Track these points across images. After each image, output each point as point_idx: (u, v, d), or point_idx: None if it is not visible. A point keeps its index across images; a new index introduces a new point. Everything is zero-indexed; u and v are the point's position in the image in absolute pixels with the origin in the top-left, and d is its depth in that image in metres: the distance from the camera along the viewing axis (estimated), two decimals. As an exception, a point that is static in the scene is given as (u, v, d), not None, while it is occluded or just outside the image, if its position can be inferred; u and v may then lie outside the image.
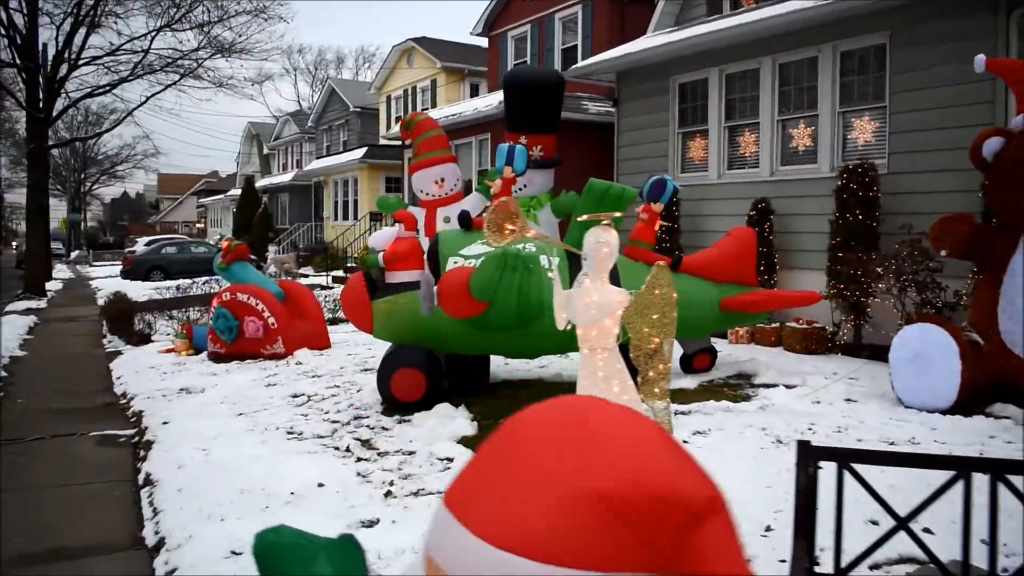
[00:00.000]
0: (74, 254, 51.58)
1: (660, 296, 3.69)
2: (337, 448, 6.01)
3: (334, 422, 6.78)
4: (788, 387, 7.43)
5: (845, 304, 9.52)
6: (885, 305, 9.11)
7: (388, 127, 29.74)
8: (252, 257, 13.76)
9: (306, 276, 23.82)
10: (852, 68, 10.25)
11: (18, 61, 20.20)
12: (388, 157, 27.00)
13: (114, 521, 5.09)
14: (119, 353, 11.83)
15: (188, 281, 19.31)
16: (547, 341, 7.28)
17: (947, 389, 6.47)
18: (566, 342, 7.42)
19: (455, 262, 6.99)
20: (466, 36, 27.52)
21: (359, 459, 5.73)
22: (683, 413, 6.48)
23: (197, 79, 22.42)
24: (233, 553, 4.18)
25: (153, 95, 22.67)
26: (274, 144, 44.78)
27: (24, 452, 6.61)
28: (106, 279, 28.45)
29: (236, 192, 44.71)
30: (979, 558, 2.47)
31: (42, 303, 20.04)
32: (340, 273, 22.87)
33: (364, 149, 28.02)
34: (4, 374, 10.09)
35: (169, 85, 22.48)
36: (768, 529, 4.22)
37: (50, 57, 20.99)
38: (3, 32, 19.74)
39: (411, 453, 5.82)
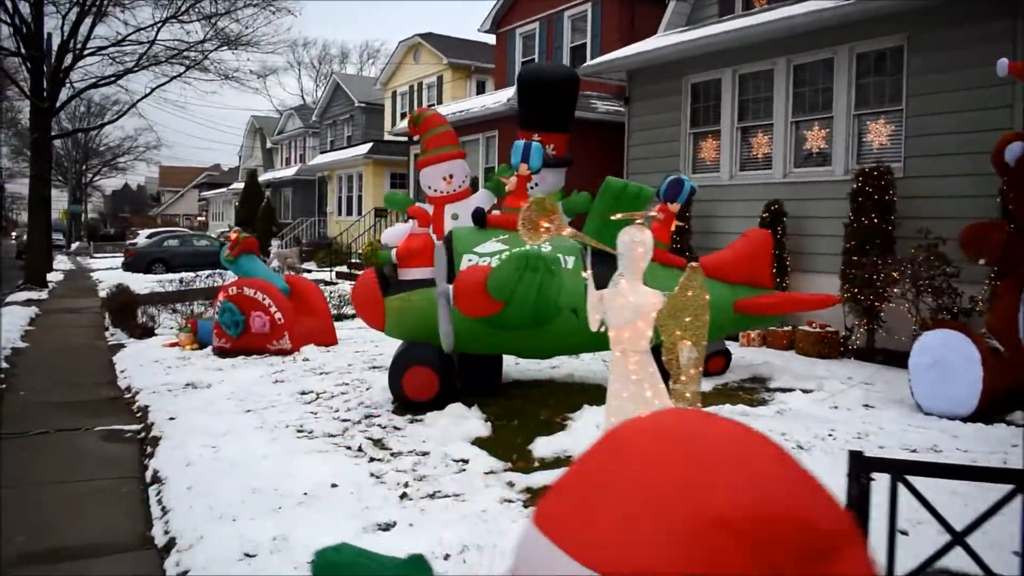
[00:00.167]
0: (74, 245, 51.42)
1: (693, 298, 3.58)
2: (349, 448, 5.90)
3: (344, 420, 6.68)
4: (805, 392, 7.33)
5: (858, 308, 9.41)
6: (899, 310, 9.01)
7: (393, 123, 29.60)
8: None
9: (309, 271, 23.69)
10: (868, 70, 10.13)
11: (23, 50, 20.07)
12: (393, 153, 26.88)
13: (122, 519, 4.97)
14: (122, 346, 11.72)
15: (191, 274, 19.15)
16: (561, 341, 7.18)
17: (968, 396, 6.37)
18: (580, 343, 7.34)
19: (470, 260, 6.88)
20: (473, 33, 27.41)
21: (372, 459, 5.63)
22: (699, 417, 6.38)
23: (203, 71, 22.30)
24: (247, 555, 4.08)
25: (158, 86, 22.60)
26: (277, 138, 44.66)
27: (28, 447, 6.50)
28: (107, 271, 28.32)
29: (239, 186, 44.64)
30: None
31: (43, 294, 19.92)
32: (344, 269, 22.75)
33: (369, 145, 27.90)
34: (6, 366, 9.98)
35: (175, 77, 22.38)
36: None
37: (55, 47, 20.86)
38: (8, 21, 19.61)
39: (425, 454, 5.71)
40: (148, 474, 5.71)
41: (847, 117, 10.25)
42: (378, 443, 6.02)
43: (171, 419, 6.93)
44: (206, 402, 7.50)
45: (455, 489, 4.98)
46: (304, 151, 40.70)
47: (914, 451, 5.63)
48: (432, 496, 4.88)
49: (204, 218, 62.15)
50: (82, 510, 5.10)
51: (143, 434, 6.78)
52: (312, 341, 10.47)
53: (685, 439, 1.01)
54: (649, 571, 0.90)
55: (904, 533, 3.84)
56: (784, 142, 11.02)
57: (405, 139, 22.77)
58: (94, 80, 22.28)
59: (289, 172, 38.49)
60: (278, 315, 10.25)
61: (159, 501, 5.10)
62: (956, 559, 2.40)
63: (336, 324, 11.63)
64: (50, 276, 23.67)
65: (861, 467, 2.55)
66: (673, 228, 7.73)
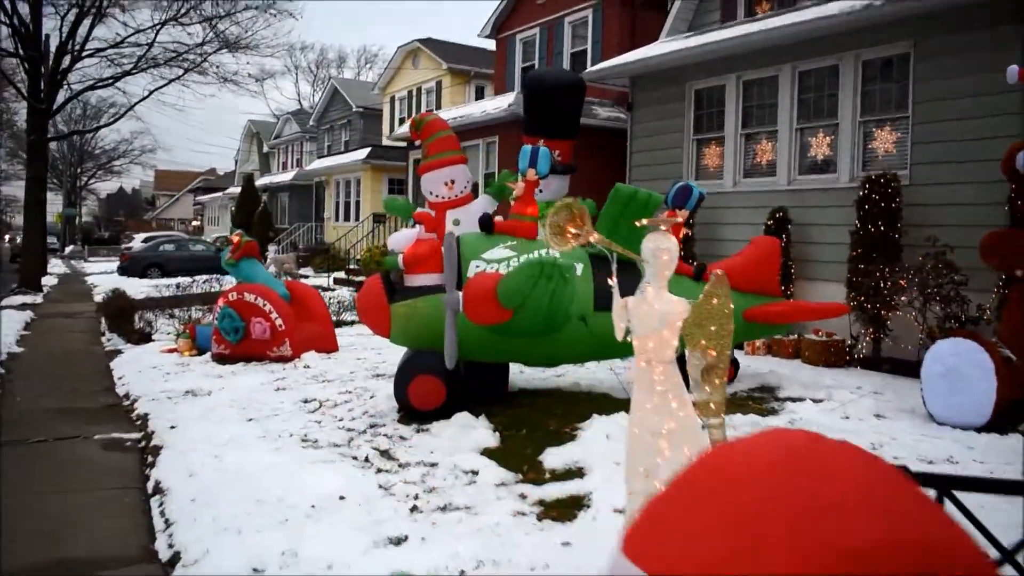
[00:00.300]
0: (68, 249, 51.17)
1: (718, 306, 3.49)
2: (355, 458, 5.79)
3: (350, 430, 6.56)
4: (815, 401, 7.24)
5: (865, 317, 9.33)
6: (906, 319, 8.94)
7: (392, 128, 29.52)
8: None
9: (306, 277, 23.56)
10: (874, 77, 10.08)
11: (21, 51, 19.95)
12: (392, 158, 26.79)
13: (124, 531, 4.86)
14: (119, 352, 11.59)
15: (188, 279, 19.01)
16: (569, 350, 7.10)
17: (982, 406, 6.30)
18: (587, 351, 7.26)
19: (477, 266, 6.79)
20: (472, 38, 27.35)
21: (379, 470, 5.51)
22: (710, 427, 6.29)
23: (202, 74, 22.19)
24: (255, 571, 3.97)
25: (156, 88, 22.46)
26: (274, 143, 44.54)
27: (26, 455, 6.38)
28: (102, 275, 28.16)
29: (235, 190, 44.47)
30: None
31: (38, 298, 19.77)
32: (342, 274, 22.63)
33: (368, 149, 27.80)
34: (2, 371, 9.85)
35: (173, 79, 22.26)
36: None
37: (53, 48, 20.74)
38: (7, 22, 19.49)
39: (433, 465, 5.60)
40: (150, 484, 5.59)
41: (852, 124, 10.19)
42: (385, 453, 5.91)
43: (172, 427, 6.81)
44: (207, 410, 7.38)
45: (466, 501, 4.88)
46: (301, 156, 40.59)
47: (930, 462, 5.55)
48: (443, 509, 4.77)
49: (200, 222, 61.95)
50: (83, 521, 4.98)
51: (143, 443, 6.66)
52: (313, 348, 10.35)
53: (804, 463, 0.92)
54: None
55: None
56: (789, 149, 10.95)
57: (404, 144, 22.68)
58: (92, 82, 22.18)
59: (286, 177, 38.38)
60: (279, 321, 10.14)
61: (162, 512, 4.99)
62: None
63: (336, 330, 11.50)
64: (44, 280, 23.51)
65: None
66: (682, 235, 7.63)
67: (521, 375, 8.48)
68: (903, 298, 8.75)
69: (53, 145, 43.23)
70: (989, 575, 0.88)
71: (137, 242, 31.54)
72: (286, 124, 43.39)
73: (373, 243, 21.92)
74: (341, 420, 6.93)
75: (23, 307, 17.08)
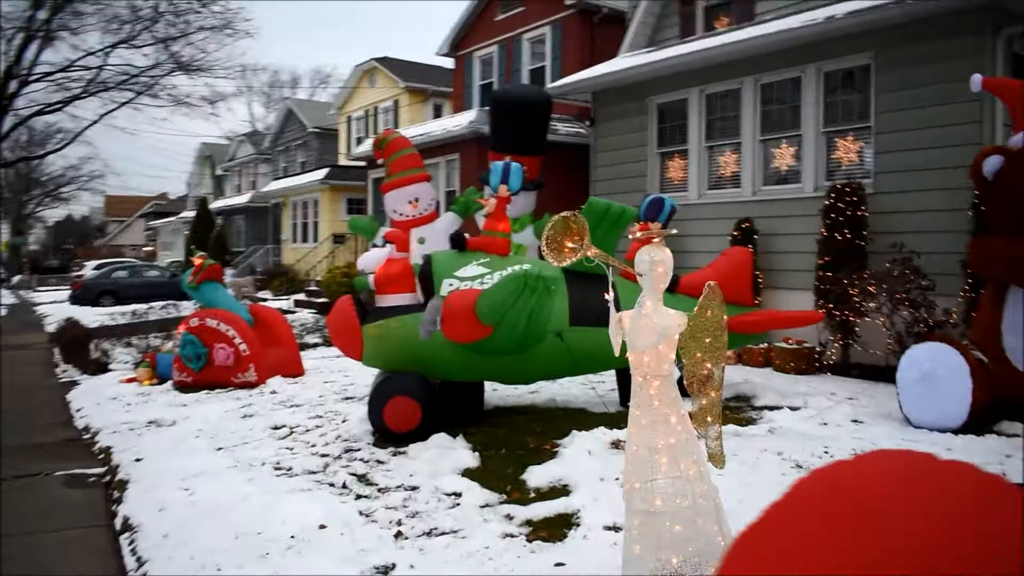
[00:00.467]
0: (16, 279, 49.79)
1: (712, 318, 3.43)
2: (332, 484, 5.61)
3: (324, 456, 6.37)
4: (792, 409, 7.23)
5: (833, 323, 9.40)
6: (873, 324, 9.01)
7: (349, 148, 29.29)
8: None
9: (265, 300, 23.16)
10: (836, 88, 10.21)
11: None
12: (350, 178, 26.54)
13: (94, 574, 4.62)
14: (75, 383, 11.22)
15: (144, 306, 18.58)
16: (546, 366, 7.00)
17: (957, 409, 6.34)
18: (564, 367, 7.17)
19: (451, 284, 6.66)
20: (429, 56, 27.31)
21: (359, 496, 5.34)
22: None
23: (154, 97, 21.77)
24: (238, 608, 3.78)
25: (107, 112, 21.97)
26: (228, 165, 43.93)
27: (-16, 494, 6.07)
28: (53, 304, 27.40)
29: (189, 214, 43.79)
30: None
31: (-13, 330, 19.13)
32: (303, 296, 22.29)
33: (325, 170, 27.51)
34: (-48, 407, 9.44)
35: (124, 103, 21.80)
36: (815, 566, 3.96)
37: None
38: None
39: (414, 488, 5.45)
40: (118, 521, 5.35)
41: (816, 135, 10.30)
42: (363, 479, 5.74)
43: (137, 460, 6.56)
44: (174, 441, 7.13)
45: (452, 525, 4.73)
46: (256, 178, 40.06)
47: (913, 468, 5.54)
48: (429, 534, 4.62)
49: (152, 248, 60.76)
50: (50, 564, 4.73)
51: (108, 477, 6.39)
52: (278, 373, 10.12)
53: (922, 486, 0.83)
54: None
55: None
56: (752, 160, 11.04)
57: (363, 164, 22.48)
58: (40, 107, 21.62)
59: (241, 199, 37.82)
60: (243, 346, 9.89)
61: (133, 551, 4.76)
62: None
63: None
64: (-7, 311, 22.79)
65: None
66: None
67: (495, 392, 8.35)
68: (871, 304, 8.82)
69: (-1, 172, 42.10)
70: None
71: (88, 269, 30.74)
72: (240, 146, 42.84)
73: (334, 264, 21.62)
74: (314, 446, 6.73)
75: (-29, 340, 16.49)
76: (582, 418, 7.18)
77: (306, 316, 17.37)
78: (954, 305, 8.51)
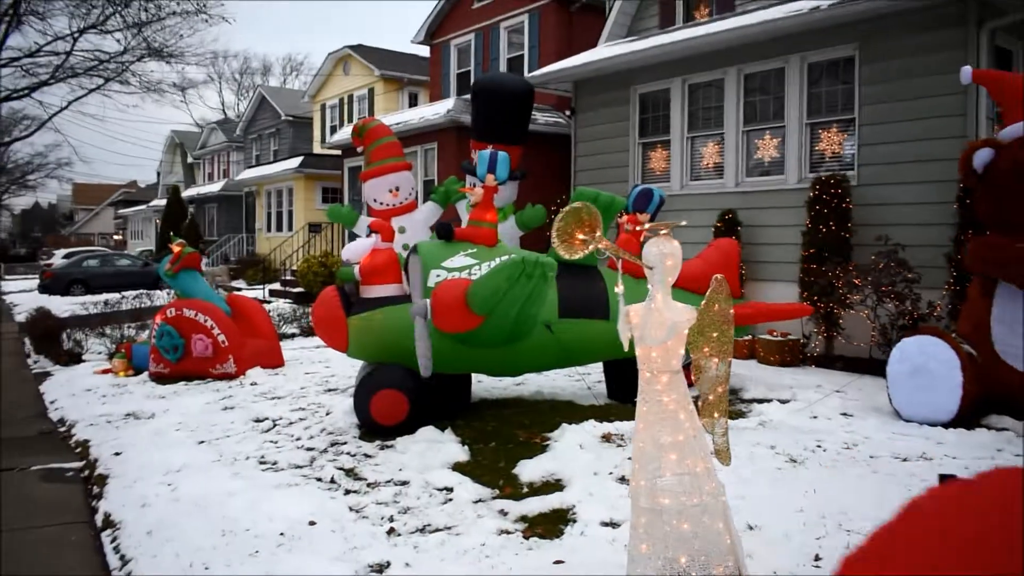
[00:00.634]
0: (-18, 268, 48.72)
1: (719, 312, 3.36)
2: (320, 479, 5.49)
3: (309, 449, 6.24)
4: (782, 402, 7.21)
5: (817, 315, 9.41)
6: (857, 317, 9.03)
7: (324, 136, 28.94)
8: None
9: (239, 289, 22.86)
10: (820, 79, 10.20)
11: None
12: (325, 167, 26.23)
13: (75, 573, 4.47)
14: (48, 374, 10.96)
15: (117, 295, 18.20)
16: (534, 358, 6.92)
17: (948, 402, 6.34)
18: (552, 359, 7.09)
19: (438, 275, 6.54)
20: (404, 44, 27.01)
21: (348, 491, 5.23)
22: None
23: (124, 83, 21.30)
24: (230, 609, 3.66)
25: (75, 99, 21.48)
26: (199, 153, 43.26)
27: (-44, 490, 5.88)
28: (22, 294, 26.85)
29: (160, 202, 43.13)
30: None
31: (-47, 320, 18.68)
32: (278, 286, 22.01)
33: (300, 158, 27.15)
34: (-80, 400, 9.17)
35: (93, 90, 21.33)
36: (817, 558, 3.93)
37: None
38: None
39: (404, 483, 5.34)
40: (98, 517, 5.19)
41: (800, 126, 10.28)
42: (351, 473, 5.62)
43: (117, 454, 6.39)
44: (153, 434, 6.96)
45: (445, 521, 4.64)
46: (228, 166, 39.48)
47: (905, 460, 5.54)
48: (422, 530, 4.53)
49: (121, 236, 59.81)
50: (31, 563, 4.56)
51: (87, 472, 6.22)
52: (258, 363, 9.95)
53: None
54: None
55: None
56: (736, 151, 11.00)
57: (338, 152, 22.21)
58: (7, 93, 21.07)
59: (214, 188, 37.28)
60: (221, 337, 9.69)
61: (116, 549, 4.61)
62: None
63: (280, 345, 11.09)
64: (-41, 301, 22.27)
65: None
66: (643, 239, 7.51)
67: (479, 384, 8.26)
68: (856, 296, 8.83)
69: (-38, 159, 41.19)
70: None
71: (58, 258, 30.18)
72: (212, 134, 42.19)
73: (309, 253, 21.36)
74: (299, 439, 6.60)
75: (-63, 330, 16.08)
76: (570, 410, 7.11)
77: (283, 306, 17.13)
78: (938, 298, 8.55)
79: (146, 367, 10.07)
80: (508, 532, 4.44)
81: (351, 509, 4.88)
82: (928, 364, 6.41)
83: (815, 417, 6.71)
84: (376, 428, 6.51)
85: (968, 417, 6.39)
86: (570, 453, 5.73)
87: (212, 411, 7.80)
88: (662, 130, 12.08)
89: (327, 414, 7.34)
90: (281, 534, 4.48)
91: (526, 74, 15.50)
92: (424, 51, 22.93)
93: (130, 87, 22.11)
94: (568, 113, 14.34)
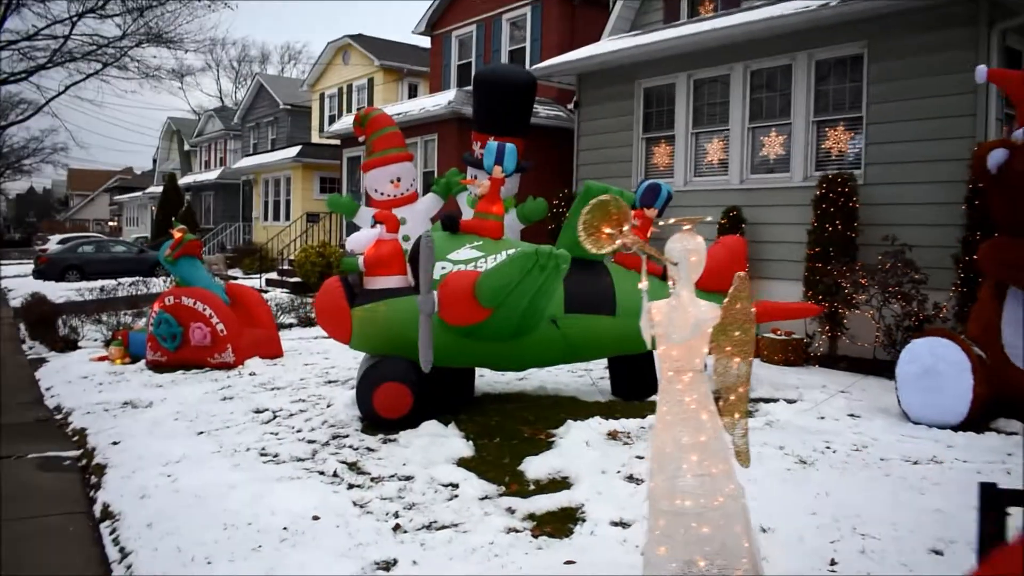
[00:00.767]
0: (-25, 252, 48.45)
1: (741, 310, 3.28)
2: (322, 473, 5.41)
3: (311, 442, 6.15)
4: (789, 402, 7.14)
5: (822, 315, 9.34)
6: (862, 316, 8.97)
7: (322, 126, 28.78)
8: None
9: (235, 278, 22.73)
10: (827, 77, 10.11)
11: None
12: (323, 156, 26.09)
13: (74, 564, 4.37)
14: (44, 361, 10.86)
15: (113, 282, 18.05)
16: (540, 353, 6.84)
17: (958, 405, 6.28)
18: (558, 354, 7.00)
19: (443, 267, 6.46)
20: (405, 35, 26.85)
21: (351, 485, 5.15)
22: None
23: (122, 69, 21.10)
24: (234, 606, 3.58)
25: (73, 84, 21.28)
26: (196, 140, 43.03)
27: (-49, 478, 5.78)
28: (16, 279, 26.64)
29: (156, 189, 42.91)
30: None
31: (-54, 305, 18.52)
32: (275, 275, 21.89)
33: (298, 148, 26.99)
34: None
35: (91, 75, 21.13)
36: (833, 563, 3.86)
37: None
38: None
39: (409, 478, 5.26)
40: (97, 508, 5.09)
41: (806, 123, 10.20)
42: (354, 467, 5.54)
43: (115, 443, 6.29)
44: (151, 423, 6.86)
45: (452, 518, 4.56)
46: (225, 154, 39.28)
47: (916, 463, 5.47)
48: (428, 527, 4.44)
49: (117, 223, 59.53)
50: (28, 554, 4.47)
51: (84, 461, 6.12)
52: (256, 353, 9.85)
53: None
54: None
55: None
56: (741, 148, 10.92)
57: (337, 142, 22.07)
58: (3, 76, 20.86)
59: (211, 175, 37.09)
60: (220, 326, 9.59)
61: (115, 541, 4.52)
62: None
63: (279, 335, 10.99)
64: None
65: (996, 501, 2.25)
66: (650, 234, 7.43)
67: (482, 379, 8.16)
68: (862, 296, 8.76)
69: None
70: None
71: (53, 244, 29.96)
72: (209, 121, 41.96)
73: (307, 243, 21.24)
74: (300, 431, 6.51)
75: (-70, 314, 15.94)
76: (575, 407, 7.04)
77: (281, 296, 17.01)
78: (944, 299, 8.49)
79: (143, 355, 9.98)
80: (516, 530, 4.36)
81: (355, 504, 4.80)
82: (938, 366, 6.34)
83: (822, 418, 6.65)
84: (379, 421, 6.42)
85: (977, 420, 6.32)
86: (576, 450, 5.66)
87: (211, 401, 7.70)
88: (666, 125, 11.99)
89: (328, 406, 7.25)
90: (284, 529, 4.40)
91: (527, 67, 15.39)
92: (425, 42, 22.78)
93: (128, 73, 21.93)
94: (571, 107, 14.24)
